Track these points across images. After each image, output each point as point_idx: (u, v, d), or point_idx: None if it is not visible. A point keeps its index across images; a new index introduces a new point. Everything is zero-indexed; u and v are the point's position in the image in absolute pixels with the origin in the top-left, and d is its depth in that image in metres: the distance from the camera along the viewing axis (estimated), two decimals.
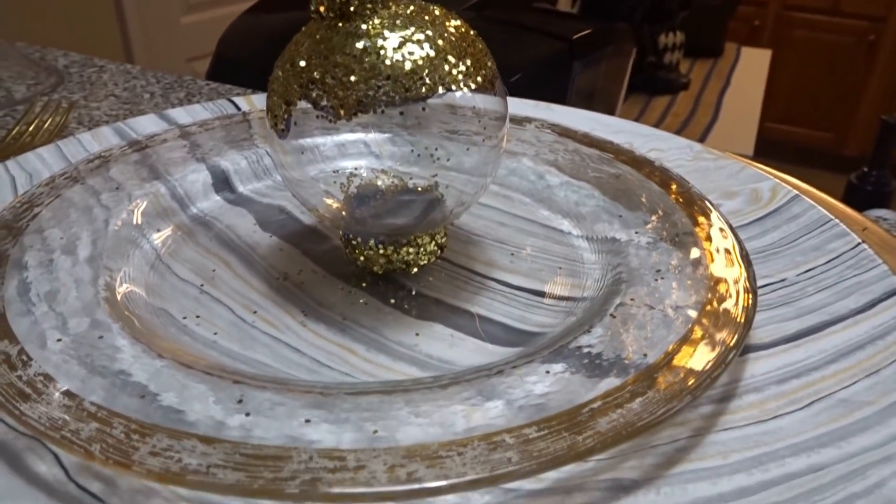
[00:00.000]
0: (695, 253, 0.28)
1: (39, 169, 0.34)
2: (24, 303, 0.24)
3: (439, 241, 0.29)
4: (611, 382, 0.21)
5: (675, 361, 0.22)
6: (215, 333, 0.25)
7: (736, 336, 0.23)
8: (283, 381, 0.22)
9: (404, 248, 0.28)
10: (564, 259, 0.31)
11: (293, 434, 0.19)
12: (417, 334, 0.26)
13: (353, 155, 0.27)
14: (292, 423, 0.19)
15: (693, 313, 0.25)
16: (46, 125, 0.46)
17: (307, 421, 0.19)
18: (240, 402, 0.20)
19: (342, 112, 0.23)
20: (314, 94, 0.23)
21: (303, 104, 0.24)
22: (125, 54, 1.63)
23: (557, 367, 0.23)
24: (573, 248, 0.32)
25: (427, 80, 0.23)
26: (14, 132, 0.45)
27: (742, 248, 0.27)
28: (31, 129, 0.46)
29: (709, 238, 0.28)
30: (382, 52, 0.23)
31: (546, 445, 0.18)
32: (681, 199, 0.31)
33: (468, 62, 0.24)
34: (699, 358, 0.22)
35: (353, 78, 0.23)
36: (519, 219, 0.34)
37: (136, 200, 0.33)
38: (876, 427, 0.21)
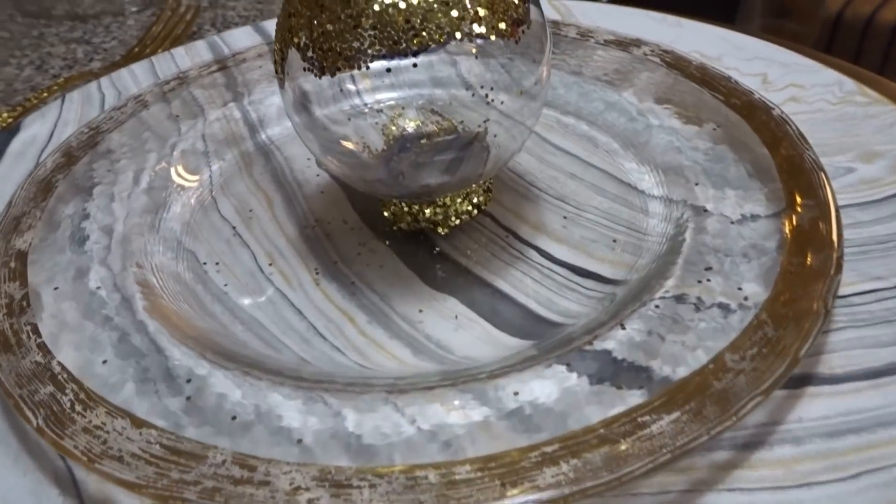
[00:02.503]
0: (776, 241, 0.22)
1: (129, 87, 0.35)
2: (58, 238, 0.25)
3: (476, 200, 0.26)
4: (609, 400, 0.18)
5: (697, 386, 0.18)
6: (226, 285, 0.25)
7: (786, 363, 0.18)
8: (258, 363, 0.21)
9: (430, 208, 0.25)
10: (627, 228, 0.26)
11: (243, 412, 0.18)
12: (421, 311, 0.24)
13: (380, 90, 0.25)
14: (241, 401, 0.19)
15: (747, 319, 0.20)
16: (174, 32, 0.48)
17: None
18: (188, 381, 0.20)
19: (325, 66, 0.20)
20: (301, 44, 0.21)
21: (293, 52, 0.21)
22: None
23: (564, 370, 0.20)
24: (643, 213, 0.27)
25: (421, 31, 0.19)
26: (142, 41, 0.47)
27: (839, 246, 0.21)
28: (161, 32, 0.48)
29: (802, 224, 0.22)
30: None
31: (470, 494, 0.16)
32: (786, 166, 0.25)
33: (482, 4, 0.20)
34: (734, 386, 0.18)
35: (329, 27, 0.20)
36: (594, 170, 0.29)
37: (208, 125, 0.33)
38: None
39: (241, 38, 0.38)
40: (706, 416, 0.17)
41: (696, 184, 0.26)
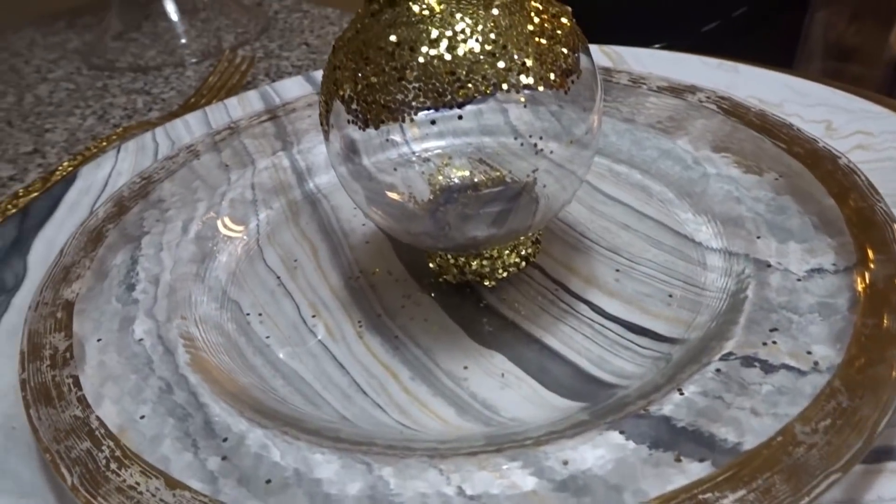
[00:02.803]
0: (847, 300, 0.21)
1: (183, 136, 0.36)
2: (106, 287, 0.25)
3: (524, 252, 0.25)
4: (662, 472, 0.17)
5: (765, 460, 0.16)
6: (268, 337, 0.25)
7: (863, 438, 0.17)
8: (298, 420, 0.20)
9: (477, 260, 0.25)
10: (684, 283, 0.25)
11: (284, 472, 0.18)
12: (466, 367, 0.23)
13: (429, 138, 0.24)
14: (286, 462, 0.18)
15: (819, 386, 0.18)
16: (229, 82, 0.49)
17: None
18: (225, 440, 0.19)
19: (369, 118, 0.20)
20: (345, 96, 0.20)
21: (338, 104, 0.21)
22: None
23: (618, 437, 0.18)
24: (701, 267, 0.25)
25: (467, 83, 0.19)
26: (199, 91, 0.48)
27: None
28: (218, 82, 0.49)
29: (876, 281, 0.21)
30: (417, 46, 0.19)
31: None
32: (855, 218, 0.23)
33: (532, 53, 0.19)
34: (806, 461, 0.16)
35: (374, 79, 0.19)
36: (648, 221, 0.28)
37: (257, 174, 0.33)
38: None
39: (292, 87, 0.39)
40: (776, 495, 0.16)
41: (758, 236, 0.25)
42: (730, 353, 0.20)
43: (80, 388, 0.20)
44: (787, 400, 0.18)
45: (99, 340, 0.23)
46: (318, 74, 0.40)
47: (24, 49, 0.63)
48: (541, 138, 0.23)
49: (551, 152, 0.23)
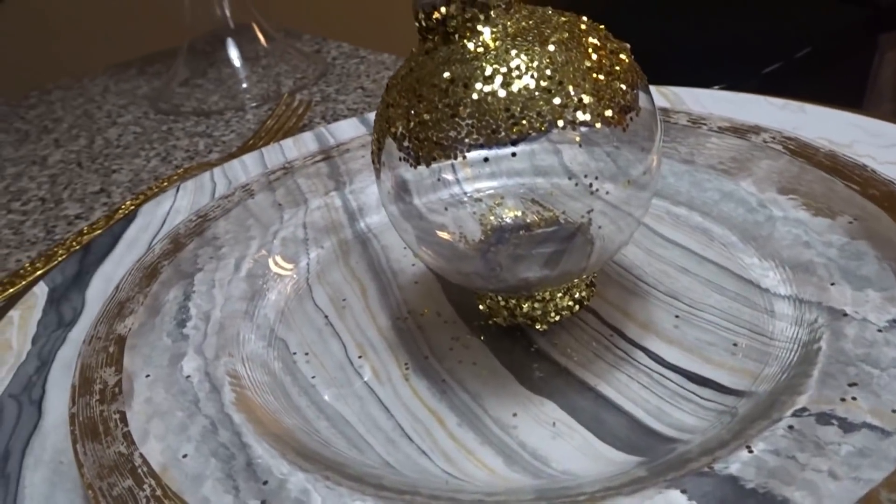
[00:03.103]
0: None
1: (239, 176, 0.36)
2: (158, 323, 0.26)
3: (578, 296, 0.24)
4: None
5: None
6: (314, 377, 0.24)
7: None
8: (340, 465, 0.20)
9: (528, 303, 0.24)
10: (749, 331, 0.24)
11: None
12: (515, 415, 0.22)
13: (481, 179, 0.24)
14: None
15: None
16: (286, 125, 0.50)
17: None
18: (265, 483, 0.18)
19: (420, 155, 0.20)
20: (397, 133, 0.20)
21: (390, 142, 0.21)
22: None
23: (679, 496, 0.17)
24: (769, 315, 0.24)
25: (521, 120, 0.18)
26: (257, 134, 0.49)
27: None
28: (275, 125, 0.50)
29: None
30: (471, 83, 0.19)
31: None
32: None
33: (589, 89, 0.19)
34: None
35: (426, 116, 0.19)
36: (709, 265, 0.27)
37: (310, 213, 0.33)
38: None
39: (347, 129, 0.39)
40: None
41: (832, 283, 0.24)
42: (803, 409, 0.19)
43: (126, 423, 0.20)
44: (869, 463, 0.17)
45: (148, 376, 0.23)
46: (373, 115, 0.41)
47: (98, 95, 0.66)
48: (596, 178, 0.22)
49: (607, 193, 0.22)
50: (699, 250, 0.28)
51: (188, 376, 0.23)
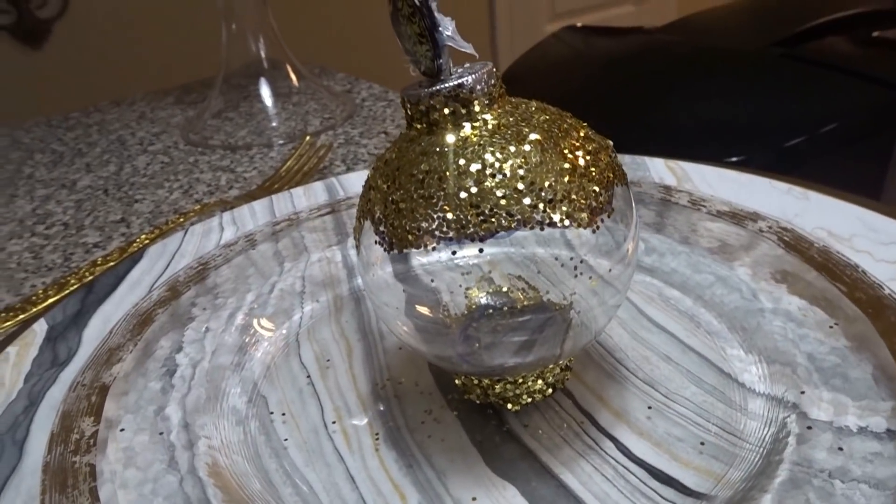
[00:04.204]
0: None
1: (247, 222, 0.37)
2: (144, 372, 0.26)
3: (551, 379, 0.24)
4: None
5: None
6: (286, 440, 0.25)
7: None
8: None
9: (501, 383, 0.24)
10: (720, 429, 0.23)
11: None
12: (475, 498, 0.22)
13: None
14: None
15: None
16: (306, 167, 0.51)
17: None
18: None
19: (393, 242, 0.20)
20: (376, 217, 0.21)
21: (368, 223, 0.21)
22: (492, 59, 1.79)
23: None
24: (741, 412, 0.24)
25: (490, 218, 0.19)
26: (277, 174, 0.51)
27: None
28: (295, 166, 0.52)
29: None
30: (445, 176, 0.19)
31: None
32: None
33: (561, 191, 0.19)
34: None
35: (402, 205, 0.20)
36: (692, 354, 0.27)
37: (310, 266, 0.34)
38: None
39: (356, 181, 0.40)
40: None
41: (808, 385, 0.23)
42: None
43: (94, 478, 0.21)
44: None
45: (122, 430, 0.23)
46: None
47: (134, 121, 0.69)
48: (581, 262, 0.22)
49: (590, 278, 0.23)
50: (684, 337, 0.28)
51: (161, 433, 0.24)
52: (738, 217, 0.31)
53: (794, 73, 0.66)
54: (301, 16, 1.44)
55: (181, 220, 0.44)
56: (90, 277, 0.40)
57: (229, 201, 0.47)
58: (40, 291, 0.39)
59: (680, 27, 0.89)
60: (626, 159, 0.39)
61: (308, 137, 0.55)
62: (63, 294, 0.38)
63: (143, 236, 0.43)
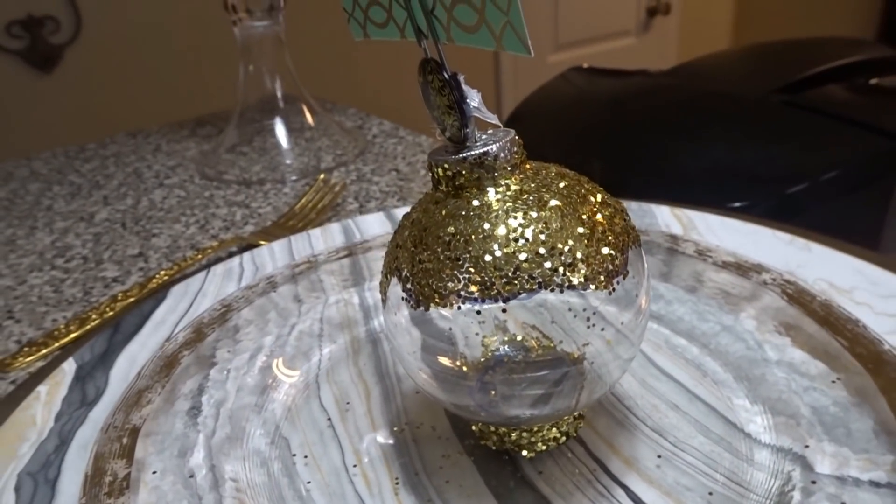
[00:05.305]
0: None
1: (266, 263, 0.39)
2: (171, 414, 0.27)
3: (564, 428, 0.26)
4: None
5: None
6: (309, 483, 0.26)
7: None
8: None
9: (517, 432, 0.25)
10: (727, 479, 0.24)
11: None
12: None
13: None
14: None
15: None
16: (320, 204, 0.53)
17: None
18: None
19: (420, 300, 0.21)
20: (403, 274, 0.22)
21: (395, 280, 0.23)
22: (494, 90, 1.82)
23: None
24: (748, 463, 0.25)
25: (514, 280, 0.20)
26: (291, 210, 0.52)
27: None
28: (309, 204, 0.53)
29: None
30: (471, 240, 0.21)
31: None
32: None
33: (579, 255, 0.21)
34: None
35: (429, 265, 0.21)
36: (699, 403, 0.28)
37: (327, 308, 0.35)
38: None
39: (373, 224, 0.42)
40: None
41: (812, 438, 0.24)
42: None
43: None
44: None
45: (154, 473, 0.24)
46: (398, 212, 0.43)
47: (150, 154, 0.70)
48: (594, 313, 0.23)
49: (602, 329, 0.24)
50: (691, 386, 0.29)
51: (191, 475, 0.25)
52: (742, 268, 0.33)
53: (794, 120, 0.68)
54: (312, 51, 1.47)
55: (199, 256, 0.46)
56: (110, 313, 0.41)
57: (246, 238, 0.48)
58: (62, 326, 0.40)
59: (682, 72, 0.91)
60: (632, 206, 0.40)
61: (322, 176, 0.57)
62: (84, 329, 0.39)
63: (163, 272, 0.44)
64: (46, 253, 0.51)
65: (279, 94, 0.64)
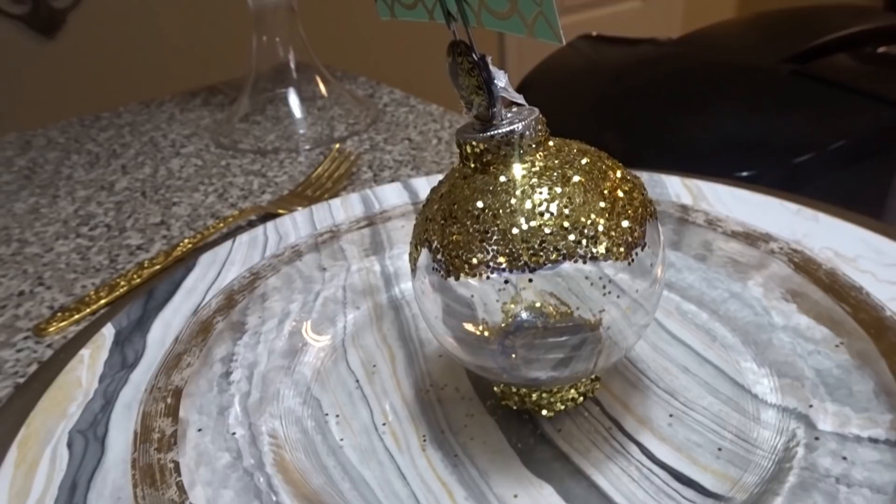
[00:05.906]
0: None
1: (289, 231, 0.40)
2: (209, 376, 0.29)
3: (582, 389, 0.27)
4: None
5: None
6: (342, 439, 0.27)
7: None
8: None
9: (537, 392, 0.27)
10: (735, 436, 0.26)
11: None
12: (516, 496, 0.24)
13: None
14: None
15: None
16: (336, 173, 0.54)
17: None
18: None
19: (451, 270, 0.23)
20: (433, 246, 0.23)
21: (425, 251, 0.24)
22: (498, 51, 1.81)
23: None
24: (754, 422, 0.26)
25: (539, 251, 0.22)
26: (308, 179, 0.53)
27: None
28: (325, 172, 0.54)
29: None
30: (499, 214, 0.22)
31: None
32: None
33: (599, 230, 0.22)
34: None
35: (458, 238, 0.22)
36: (708, 366, 0.30)
37: (350, 276, 0.36)
38: None
39: (391, 194, 0.43)
40: None
41: (815, 397, 0.26)
42: None
43: (179, 473, 0.24)
44: None
45: (199, 430, 0.26)
46: (415, 182, 0.44)
47: (164, 123, 0.71)
48: (609, 281, 0.24)
49: (618, 297, 0.25)
50: (701, 350, 0.30)
51: (233, 433, 0.26)
52: (751, 238, 0.34)
53: (803, 90, 0.69)
54: (323, 20, 1.46)
55: (221, 225, 0.47)
56: (138, 280, 0.42)
57: (265, 207, 0.49)
58: (92, 293, 0.41)
59: (690, 40, 0.91)
60: (643, 176, 0.41)
61: (337, 146, 0.58)
62: (114, 296, 0.41)
63: (186, 240, 0.45)
64: (70, 221, 0.52)
65: (292, 64, 0.65)
